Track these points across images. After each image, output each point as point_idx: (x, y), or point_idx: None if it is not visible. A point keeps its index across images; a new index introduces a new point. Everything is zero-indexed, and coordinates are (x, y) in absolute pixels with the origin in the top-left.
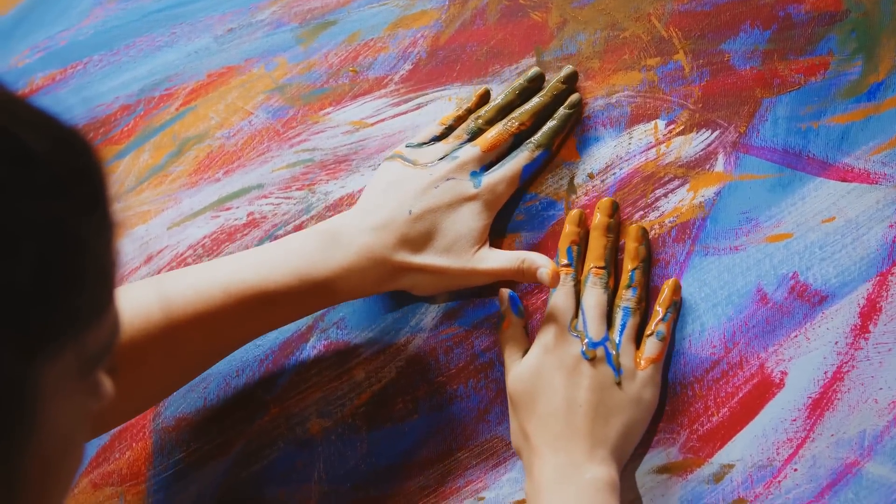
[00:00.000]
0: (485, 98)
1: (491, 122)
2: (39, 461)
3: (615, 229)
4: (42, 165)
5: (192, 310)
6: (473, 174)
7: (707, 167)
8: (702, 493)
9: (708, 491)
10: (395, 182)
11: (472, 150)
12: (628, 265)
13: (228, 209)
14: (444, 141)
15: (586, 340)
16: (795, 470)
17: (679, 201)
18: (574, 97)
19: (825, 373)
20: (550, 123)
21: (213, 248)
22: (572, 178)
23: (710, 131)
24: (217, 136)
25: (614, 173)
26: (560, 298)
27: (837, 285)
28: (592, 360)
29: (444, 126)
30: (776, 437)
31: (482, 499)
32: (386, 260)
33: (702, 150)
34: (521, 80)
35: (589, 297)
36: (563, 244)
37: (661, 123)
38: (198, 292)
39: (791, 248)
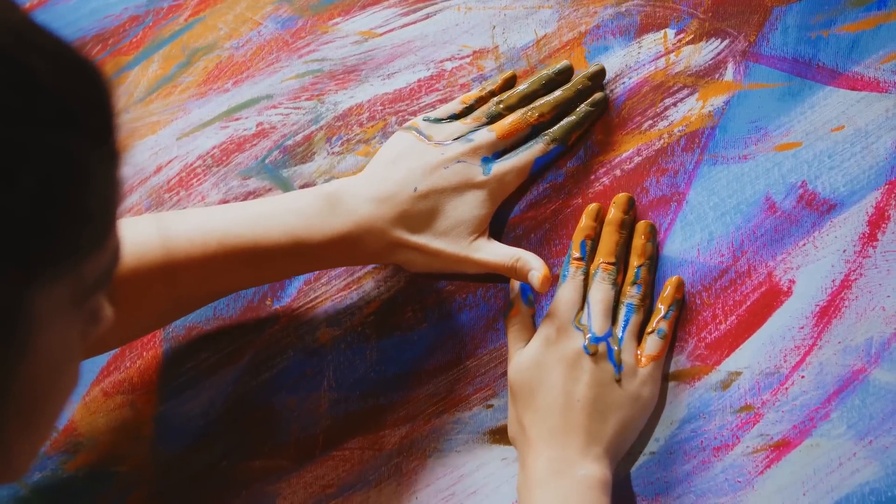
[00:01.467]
0: (510, 82)
1: (511, 109)
2: (31, 384)
3: (629, 226)
4: (48, 94)
5: (187, 254)
6: (485, 160)
7: (716, 76)
8: (709, 400)
9: (715, 398)
10: (406, 155)
11: (488, 135)
12: (634, 262)
13: (238, 119)
14: (461, 120)
15: (589, 335)
16: (802, 377)
17: (688, 110)
18: (598, 95)
19: (833, 281)
20: (570, 118)
21: (222, 158)
22: None
23: (719, 40)
24: (226, 46)
25: (623, 83)
26: (568, 291)
27: (846, 194)
28: (594, 355)
29: (465, 105)
30: (784, 344)
31: (490, 406)
32: (382, 234)
33: (711, 59)
34: (548, 71)
35: (596, 291)
36: (578, 238)
37: (670, 32)
38: (192, 240)
39: (800, 157)
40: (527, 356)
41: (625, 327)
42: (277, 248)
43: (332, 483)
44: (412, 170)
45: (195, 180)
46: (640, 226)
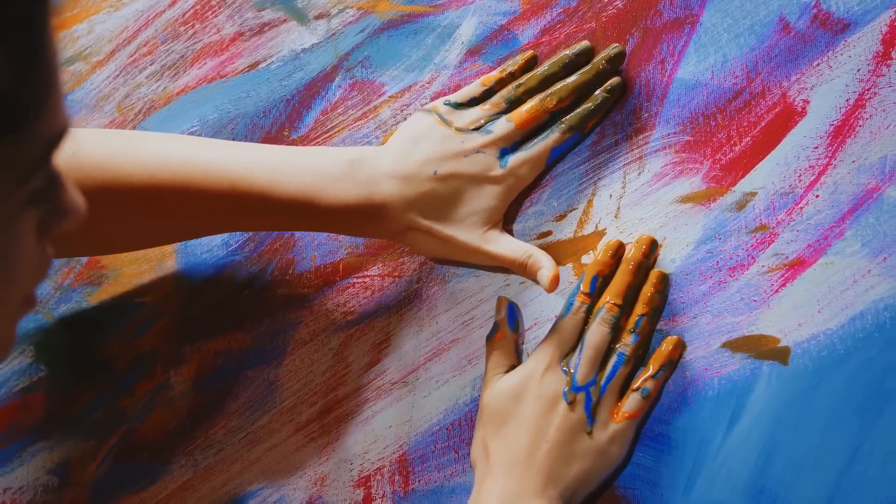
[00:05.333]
0: (530, 63)
1: (531, 92)
2: None
3: (645, 270)
4: None
5: (198, 187)
6: (503, 151)
7: None
8: (724, 221)
9: (731, 218)
10: (427, 136)
11: (507, 126)
12: (639, 309)
13: None
14: (481, 106)
15: (571, 383)
16: (817, 196)
17: None
18: (615, 81)
19: (847, 100)
20: (586, 105)
21: None
22: None
23: None
24: None
25: None
26: (566, 328)
27: (860, 13)
28: (572, 403)
29: (485, 87)
30: (798, 164)
31: (511, 233)
32: (397, 214)
33: None
34: (567, 52)
35: (592, 334)
36: (591, 272)
37: None
38: (206, 175)
39: None
40: (507, 385)
41: (610, 377)
42: (288, 203)
43: (353, 310)
44: (432, 153)
45: (210, 13)
46: (653, 274)
